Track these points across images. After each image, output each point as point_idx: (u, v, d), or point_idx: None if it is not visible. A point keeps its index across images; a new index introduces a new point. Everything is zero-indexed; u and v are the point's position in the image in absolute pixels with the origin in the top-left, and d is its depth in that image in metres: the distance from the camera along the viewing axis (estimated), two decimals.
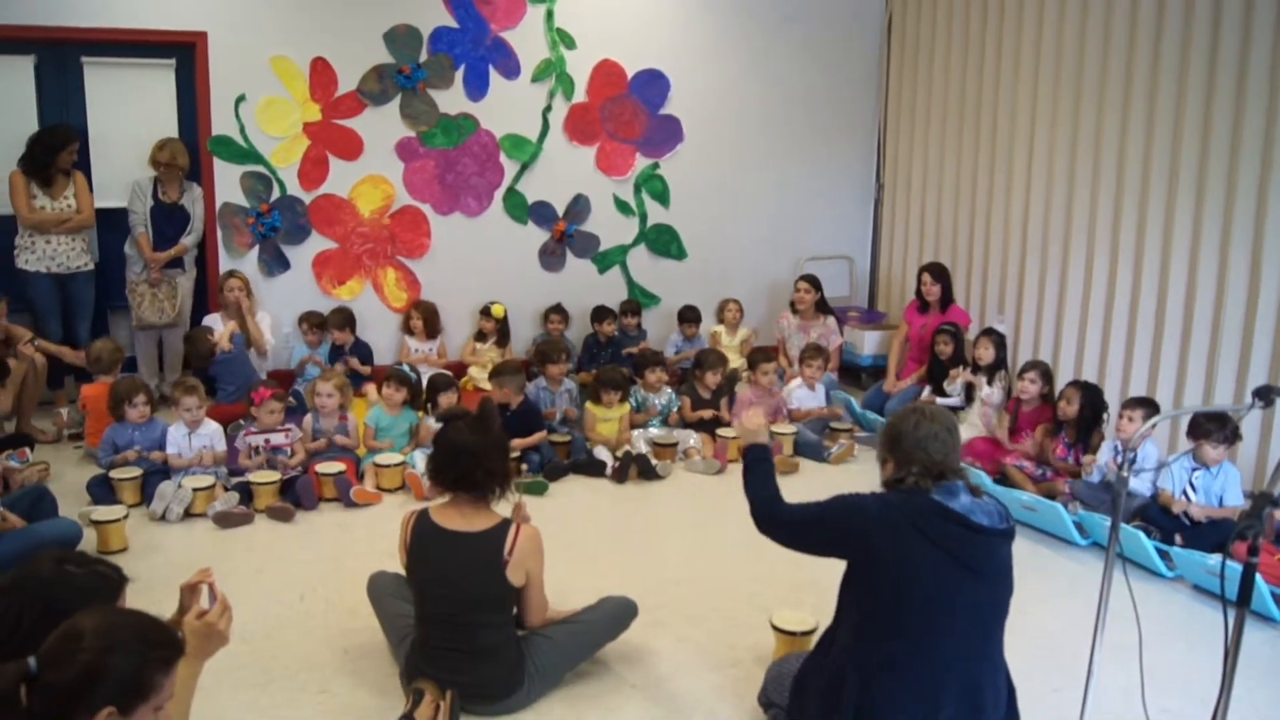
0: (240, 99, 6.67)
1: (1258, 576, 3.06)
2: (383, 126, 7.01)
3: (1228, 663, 2.25)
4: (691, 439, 5.97)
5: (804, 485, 5.45)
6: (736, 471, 5.65)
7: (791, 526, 2.89)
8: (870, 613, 2.71)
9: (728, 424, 6.09)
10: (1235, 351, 5.36)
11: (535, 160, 7.41)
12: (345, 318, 6.83)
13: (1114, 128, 6.00)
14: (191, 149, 6.50)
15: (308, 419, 5.41)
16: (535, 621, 3.33)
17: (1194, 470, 4.65)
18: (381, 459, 5.27)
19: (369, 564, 4.28)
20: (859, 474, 5.74)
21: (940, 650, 2.64)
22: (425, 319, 7.09)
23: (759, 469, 3.04)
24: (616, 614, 3.50)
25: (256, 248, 6.88)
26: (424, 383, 5.80)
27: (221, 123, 6.67)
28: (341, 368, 6.52)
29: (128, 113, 6.56)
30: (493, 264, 7.43)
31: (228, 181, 6.76)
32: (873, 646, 2.69)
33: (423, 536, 3.17)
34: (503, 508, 3.27)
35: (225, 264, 6.79)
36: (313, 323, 6.82)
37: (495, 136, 7.28)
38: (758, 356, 6.28)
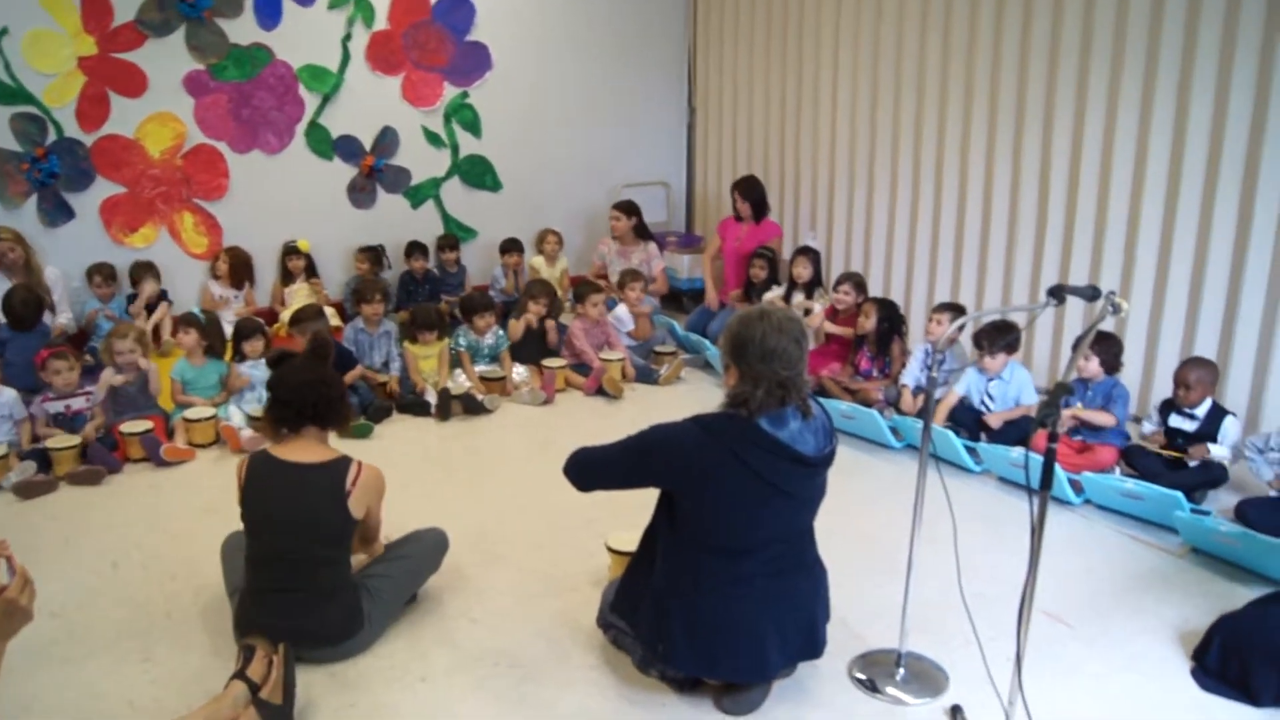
0: (3, 32, 6.08)
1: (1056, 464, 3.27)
2: (168, 60, 6.53)
3: (1034, 542, 2.39)
4: (518, 371, 5.94)
5: (635, 409, 5.52)
6: (564, 402, 5.74)
7: (601, 465, 2.89)
8: (686, 531, 2.78)
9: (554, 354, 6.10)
10: (1029, 255, 5.69)
11: (337, 92, 7.09)
12: (150, 272, 6.49)
13: (914, 44, 6.19)
14: None
15: (107, 373, 5.05)
16: (362, 551, 3.34)
17: (989, 380, 4.94)
18: (191, 413, 5.01)
19: (185, 524, 4.11)
20: (688, 394, 5.83)
21: (756, 561, 2.76)
22: (232, 265, 6.77)
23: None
24: (436, 542, 3.54)
25: (34, 196, 6.34)
26: (232, 331, 5.53)
27: None
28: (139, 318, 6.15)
29: None
30: (298, 203, 7.10)
31: None
32: (691, 560, 2.78)
33: (261, 471, 3.10)
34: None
35: None
36: (105, 275, 6.38)
37: (292, 68, 6.91)
38: (586, 289, 6.24)
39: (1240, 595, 3.48)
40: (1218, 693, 3.00)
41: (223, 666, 3.01)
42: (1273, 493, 4.14)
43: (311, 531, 3.06)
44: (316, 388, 3.15)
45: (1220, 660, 3.04)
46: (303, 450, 3.13)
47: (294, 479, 3.07)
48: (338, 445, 3.26)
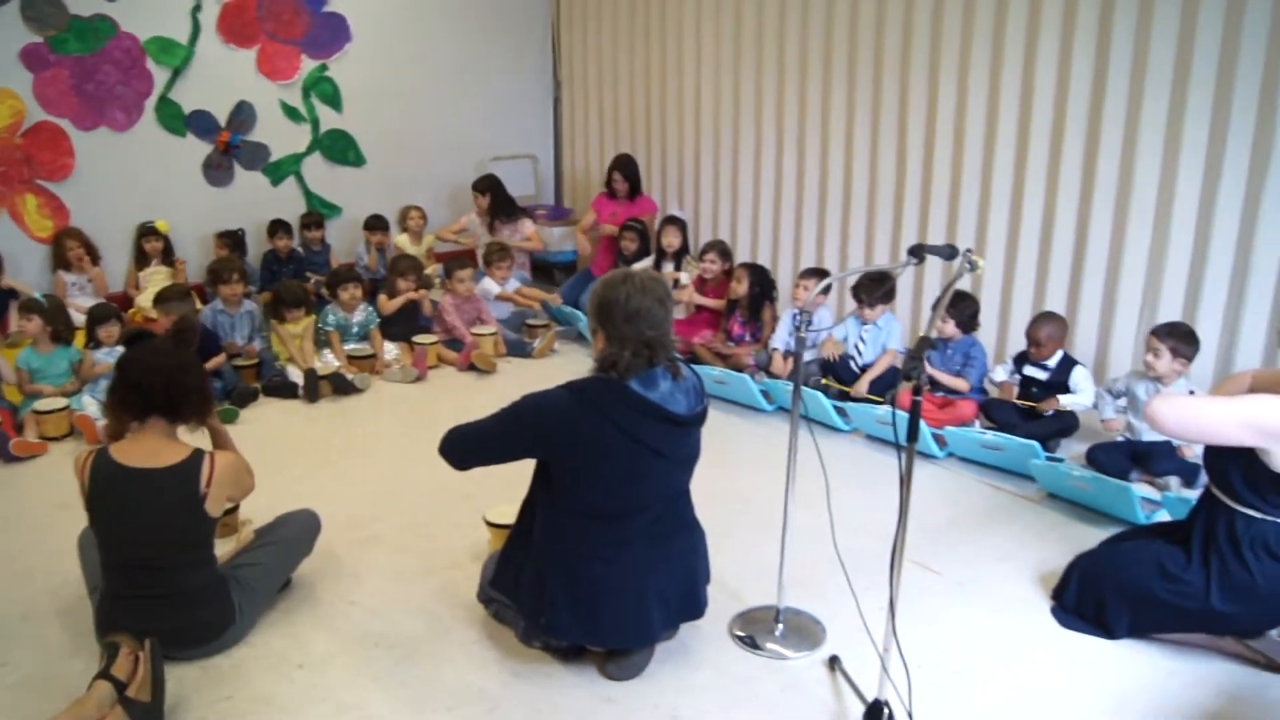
0: None
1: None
2: (1, 32, 6.14)
3: (903, 494, 2.46)
4: (389, 348, 5.84)
5: (509, 383, 5.48)
6: (436, 378, 5.66)
7: (475, 441, 2.84)
8: (564, 499, 2.77)
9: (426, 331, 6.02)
10: (889, 219, 5.84)
11: (187, 65, 6.79)
12: None
13: (774, 15, 6.26)
14: None
15: None
16: (229, 538, 3.29)
17: (863, 326, 5.11)
18: (42, 405, 4.76)
19: (39, 521, 3.92)
20: (562, 365, 5.83)
21: (634, 525, 2.78)
22: (85, 247, 6.45)
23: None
24: (307, 524, 3.43)
25: None
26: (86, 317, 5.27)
27: None
28: None
29: None
30: (151, 182, 6.79)
31: None
32: (571, 529, 2.78)
33: (104, 479, 2.83)
34: (195, 438, 3.06)
35: None
36: None
37: (139, 40, 6.58)
38: (454, 265, 6.16)
39: (1094, 535, 3.66)
40: (1076, 628, 3.16)
41: (84, 668, 2.88)
42: (1119, 437, 4.37)
43: (168, 541, 2.87)
44: (171, 373, 2.87)
45: (1077, 598, 3.20)
46: (148, 451, 2.86)
47: (142, 488, 2.82)
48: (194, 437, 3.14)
